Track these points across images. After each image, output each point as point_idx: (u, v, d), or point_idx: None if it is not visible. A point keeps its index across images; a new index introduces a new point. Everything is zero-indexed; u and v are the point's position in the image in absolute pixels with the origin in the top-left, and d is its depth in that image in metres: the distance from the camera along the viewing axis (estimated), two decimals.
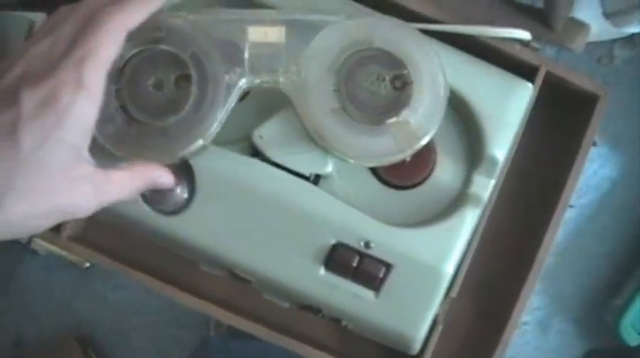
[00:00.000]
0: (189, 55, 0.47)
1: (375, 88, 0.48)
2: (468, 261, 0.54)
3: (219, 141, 0.49)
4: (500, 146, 0.52)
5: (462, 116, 0.53)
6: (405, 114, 0.48)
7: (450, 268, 0.51)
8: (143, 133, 0.47)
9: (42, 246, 0.96)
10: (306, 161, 0.51)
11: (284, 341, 0.57)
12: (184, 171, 0.51)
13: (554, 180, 0.58)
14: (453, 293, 0.55)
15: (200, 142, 0.47)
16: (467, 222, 0.51)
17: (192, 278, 0.60)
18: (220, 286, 0.62)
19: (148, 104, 0.47)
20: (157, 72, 0.47)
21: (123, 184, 0.44)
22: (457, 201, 0.52)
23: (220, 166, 0.51)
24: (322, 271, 0.51)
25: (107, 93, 0.42)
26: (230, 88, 0.48)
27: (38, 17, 0.84)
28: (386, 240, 0.50)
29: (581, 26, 1.02)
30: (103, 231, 0.62)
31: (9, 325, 1.15)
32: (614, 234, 1.15)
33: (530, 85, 0.53)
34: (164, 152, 0.47)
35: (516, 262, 0.59)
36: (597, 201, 1.15)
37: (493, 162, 0.52)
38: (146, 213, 0.52)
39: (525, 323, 1.21)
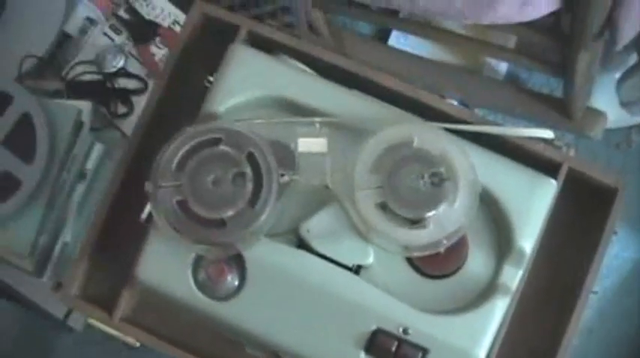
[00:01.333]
0: (246, 154, 0.52)
1: (414, 184, 0.53)
2: (496, 348, 0.57)
3: (269, 232, 0.54)
4: (528, 239, 0.56)
5: (491, 211, 0.57)
6: (443, 208, 0.52)
7: (482, 354, 0.54)
8: (203, 226, 0.51)
9: (78, 321, 1.00)
10: (350, 253, 0.55)
11: None
12: (235, 260, 0.55)
13: (576, 271, 0.62)
14: None
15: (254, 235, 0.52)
16: (497, 310, 0.55)
17: None
18: None
19: (207, 199, 0.52)
20: (216, 170, 0.52)
21: None
22: (488, 290, 0.56)
23: (269, 257, 0.55)
24: (363, 356, 0.54)
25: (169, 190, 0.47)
26: (283, 186, 0.52)
27: (84, 106, 0.90)
28: (422, 326, 0.54)
29: (599, 115, 1.08)
30: (152, 311, 0.65)
31: None
32: (637, 315, 1.17)
33: (554, 181, 0.58)
34: (221, 243, 0.52)
35: (541, 351, 0.62)
36: (619, 283, 1.19)
37: (521, 254, 0.56)
38: (198, 299, 0.56)
39: None
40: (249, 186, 0.52)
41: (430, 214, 0.53)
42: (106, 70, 1.06)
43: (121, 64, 1.06)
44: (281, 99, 0.58)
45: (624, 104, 1.02)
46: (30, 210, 0.80)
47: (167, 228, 0.53)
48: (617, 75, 1.00)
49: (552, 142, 0.62)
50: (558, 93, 1.06)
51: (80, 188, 0.91)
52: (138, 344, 0.65)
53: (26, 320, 1.04)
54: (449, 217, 0.53)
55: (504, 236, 0.57)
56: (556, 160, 0.61)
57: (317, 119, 0.55)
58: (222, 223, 0.52)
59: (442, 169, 0.53)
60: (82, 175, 0.90)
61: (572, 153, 0.63)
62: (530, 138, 0.61)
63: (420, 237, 0.53)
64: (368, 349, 0.54)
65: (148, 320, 0.64)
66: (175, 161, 0.53)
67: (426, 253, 0.54)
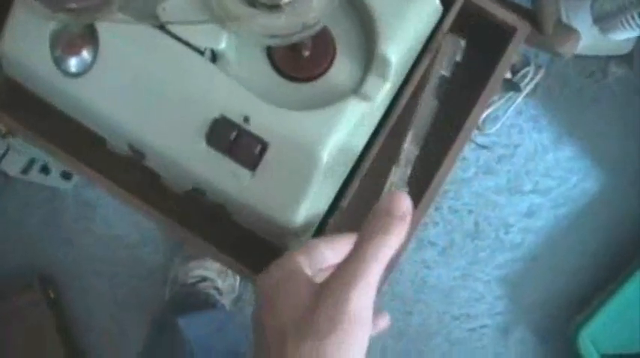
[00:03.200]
0: None
1: None
2: (362, 172, 0.55)
3: (131, 13, 0.52)
4: (395, 48, 0.53)
5: (362, 17, 0.54)
6: None
7: (324, 155, 0.51)
8: None
9: (14, 169, 1.00)
10: (202, 35, 0.53)
11: (178, 229, 0.58)
12: (91, 36, 0.54)
13: (462, 110, 0.59)
14: (343, 203, 0.55)
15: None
16: (348, 111, 0.52)
17: (100, 159, 0.61)
18: (127, 171, 0.62)
19: None
20: None
21: None
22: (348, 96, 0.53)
23: (123, 33, 0.53)
24: (203, 145, 0.52)
25: None
26: None
27: None
28: (265, 117, 0.51)
29: (571, 31, 1.03)
30: (24, 103, 0.63)
31: None
32: (587, 249, 1.12)
33: (436, 1, 0.54)
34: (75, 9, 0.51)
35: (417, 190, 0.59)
36: (575, 214, 1.13)
37: (385, 63, 0.53)
38: (53, 73, 0.54)
39: (485, 326, 1.18)
40: None
41: (285, 2, 0.50)
42: None
43: None
44: None
45: (595, 21, 0.97)
46: None
47: None
48: None
49: None
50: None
51: None
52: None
53: None
54: (306, 5, 0.50)
55: (371, 44, 0.53)
56: None
57: None
58: None
59: None
60: None
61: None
62: None
63: (275, 24, 0.50)
64: (209, 138, 0.52)
65: (20, 112, 0.63)
66: None
67: (284, 43, 0.51)
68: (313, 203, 0.53)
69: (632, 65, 1.09)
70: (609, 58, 1.09)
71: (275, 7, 0.50)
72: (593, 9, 0.97)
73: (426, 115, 0.56)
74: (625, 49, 1.10)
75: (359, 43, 0.55)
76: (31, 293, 1.14)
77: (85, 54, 0.54)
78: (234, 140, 0.52)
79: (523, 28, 0.58)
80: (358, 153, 0.56)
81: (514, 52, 0.59)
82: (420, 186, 0.59)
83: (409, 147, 0.55)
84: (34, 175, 1.05)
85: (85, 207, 1.13)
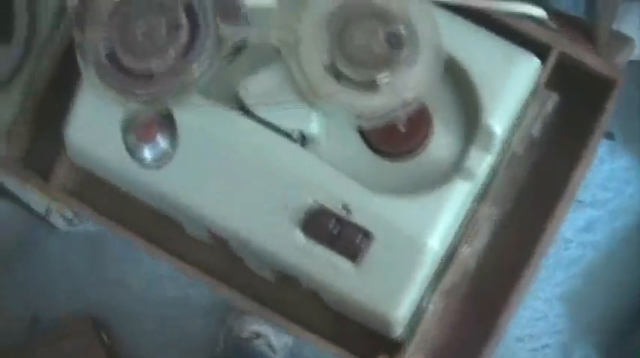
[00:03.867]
0: (184, 5, 0.47)
1: (368, 43, 0.46)
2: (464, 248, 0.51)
3: (208, 95, 0.49)
4: (498, 119, 0.49)
5: (461, 86, 0.50)
6: (398, 72, 0.46)
7: (434, 244, 0.48)
8: (131, 78, 0.47)
9: (61, 221, 0.97)
10: (291, 117, 0.49)
11: (270, 315, 0.55)
12: (167, 122, 0.50)
13: (560, 175, 0.55)
14: (445, 286, 0.52)
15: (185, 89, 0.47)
16: (455, 196, 0.48)
17: (179, 244, 0.58)
18: (209, 256, 0.59)
19: (137, 48, 0.47)
20: (150, 20, 0.47)
21: None
22: (450, 173, 0.49)
23: (202, 118, 0.49)
24: (299, 234, 0.49)
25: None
26: (222, 40, 0.47)
27: None
28: (367, 206, 0.48)
29: (626, 39, 0.98)
30: (99, 190, 0.60)
31: (28, 302, 1.16)
32: None
33: (536, 58, 0.50)
34: (149, 95, 0.48)
35: (517, 256, 0.56)
36: (633, 225, 1.10)
37: (490, 135, 0.49)
38: (127, 164, 0.51)
39: (547, 346, 1.15)
40: (183, 36, 0.47)
41: (383, 77, 0.46)
42: None
43: None
44: None
45: None
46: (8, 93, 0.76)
47: (94, 80, 0.48)
48: None
49: (544, 23, 0.55)
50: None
51: None
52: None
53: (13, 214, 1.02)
54: (405, 83, 0.46)
55: (473, 114, 0.49)
56: (546, 42, 0.53)
57: None
58: (151, 76, 0.47)
59: (401, 28, 0.46)
60: None
61: None
62: (520, 17, 0.54)
63: (371, 103, 0.47)
64: (305, 227, 0.48)
65: (93, 197, 0.60)
66: (104, 8, 0.48)
67: (380, 123, 0.47)
68: (419, 293, 0.49)
69: None
70: None
71: (370, 85, 0.47)
72: None
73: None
74: None
75: (457, 112, 0.51)
76: (85, 338, 1.12)
77: (161, 140, 0.50)
78: (333, 230, 0.48)
79: (622, 78, 0.54)
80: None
81: (613, 105, 0.55)
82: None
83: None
84: (80, 222, 1.04)
85: (130, 248, 1.10)
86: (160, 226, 0.58)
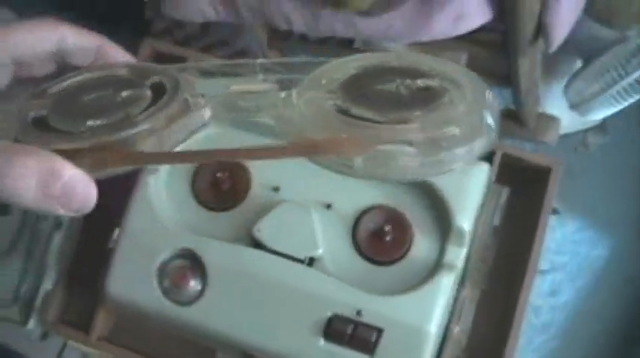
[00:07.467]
0: (149, 83, 0.40)
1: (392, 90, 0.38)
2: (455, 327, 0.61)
3: (229, 239, 0.60)
4: (466, 220, 0.60)
5: (431, 198, 0.61)
6: None
7: (432, 328, 0.58)
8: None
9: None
10: (300, 247, 0.59)
11: None
12: (197, 265, 0.60)
13: (523, 250, 0.66)
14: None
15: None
16: (444, 287, 0.58)
17: None
18: None
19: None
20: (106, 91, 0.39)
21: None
22: (434, 269, 0.60)
23: (226, 258, 0.59)
24: (322, 342, 0.58)
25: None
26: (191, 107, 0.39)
27: None
28: (374, 308, 0.58)
29: (552, 120, 1.12)
30: (127, 331, 0.68)
31: None
32: (612, 312, 1.20)
33: (486, 165, 0.62)
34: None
35: (499, 328, 0.65)
36: (593, 281, 1.22)
37: (461, 234, 0.60)
38: (165, 305, 0.60)
39: None
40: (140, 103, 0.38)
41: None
42: None
43: None
44: None
45: (572, 106, 1.06)
46: (10, 260, 0.84)
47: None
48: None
49: None
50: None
51: (57, 237, 0.94)
52: None
53: None
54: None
55: (444, 219, 0.61)
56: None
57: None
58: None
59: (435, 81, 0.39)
60: (58, 224, 0.94)
61: None
62: None
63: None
64: (326, 334, 0.58)
65: (125, 339, 0.68)
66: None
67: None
68: None
69: (607, 132, 1.19)
70: (586, 131, 1.19)
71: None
72: (568, 95, 1.06)
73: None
74: (597, 119, 1.19)
75: (431, 219, 0.62)
76: None
77: (193, 283, 0.60)
78: (351, 333, 0.58)
79: (556, 165, 0.66)
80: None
81: (555, 187, 0.66)
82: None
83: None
84: None
85: None
86: (191, 353, 0.66)
